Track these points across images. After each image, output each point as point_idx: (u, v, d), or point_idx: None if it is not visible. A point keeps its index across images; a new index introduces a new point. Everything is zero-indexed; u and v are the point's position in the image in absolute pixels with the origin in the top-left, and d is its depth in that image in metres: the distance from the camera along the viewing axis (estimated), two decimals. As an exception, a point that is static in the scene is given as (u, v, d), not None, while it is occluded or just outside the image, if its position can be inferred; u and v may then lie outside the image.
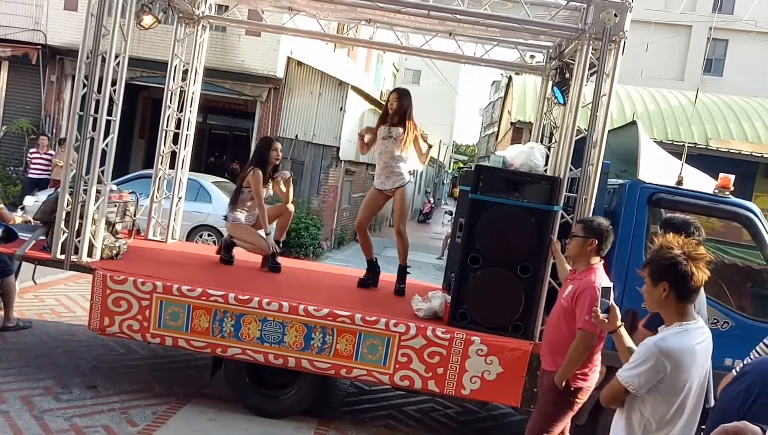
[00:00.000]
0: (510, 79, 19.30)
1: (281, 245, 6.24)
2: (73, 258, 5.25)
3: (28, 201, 9.77)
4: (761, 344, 3.05)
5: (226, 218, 6.19)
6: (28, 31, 14.77)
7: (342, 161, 15.24)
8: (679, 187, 5.07)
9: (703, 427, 2.41)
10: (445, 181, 51.50)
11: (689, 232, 3.65)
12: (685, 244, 2.57)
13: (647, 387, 2.52)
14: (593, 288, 3.61)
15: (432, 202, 32.23)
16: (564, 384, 3.77)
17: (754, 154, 13.91)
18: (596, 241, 3.89)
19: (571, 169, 5.03)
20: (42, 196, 8.88)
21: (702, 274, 2.52)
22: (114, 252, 5.53)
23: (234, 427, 4.88)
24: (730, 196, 4.98)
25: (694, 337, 2.55)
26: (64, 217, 5.28)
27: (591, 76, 5.13)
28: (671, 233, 3.74)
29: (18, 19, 14.79)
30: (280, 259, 6.18)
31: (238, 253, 6.28)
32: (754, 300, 5.35)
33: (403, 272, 5.99)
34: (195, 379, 5.79)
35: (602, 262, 3.98)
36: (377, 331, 4.76)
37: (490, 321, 4.83)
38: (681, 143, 11.83)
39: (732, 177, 5.00)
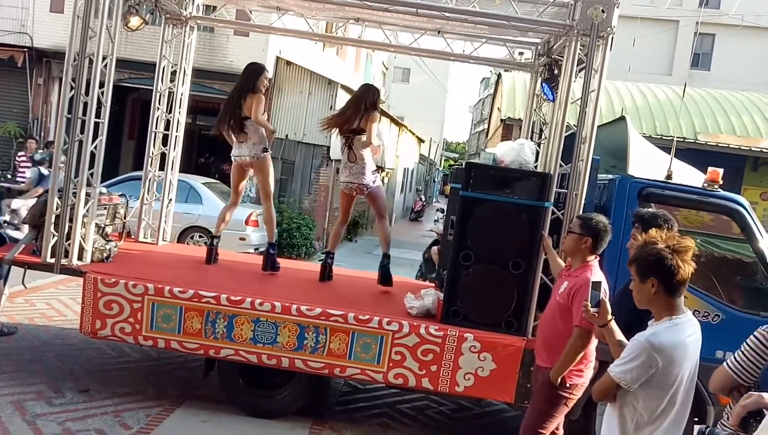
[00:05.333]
0: (499, 76, 19.33)
1: (275, 246, 6.23)
2: (64, 261, 5.22)
3: (16, 204, 9.68)
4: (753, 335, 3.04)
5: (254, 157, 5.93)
6: (13, 33, 14.65)
7: (333, 160, 15.21)
8: (669, 181, 5.10)
9: (696, 419, 2.43)
10: (436, 179, 51.53)
11: (657, 224, 3.64)
12: (669, 238, 2.59)
13: (639, 382, 2.54)
14: (589, 285, 3.61)
15: (423, 199, 32.25)
16: (559, 380, 3.78)
17: (742, 147, 14.00)
18: (591, 240, 3.89)
19: (561, 165, 5.05)
20: (30, 200, 8.80)
21: (688, 267, 2.54)
22: (104, 255, 5.50)
23: (228, 428, 4.87)
24: (719, 189, 5.02)
25: (684, 331, 2.57)
26: (53, 220, 5.24)
27: (579, 72, 5.14)
28: (639, 227, 3.80)
29: (3, 22, 14.68)
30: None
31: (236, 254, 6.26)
32: (744, 292, 5.39)
33: None
34: (188, 381, 5.77)
35: (598, 259, 3.99)
36: (370, 329, 4.76)
37: (483, 318, 4.84)
38: (670, 138, 11.90)
39: (721, 171, 5.03)
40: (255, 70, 5.96)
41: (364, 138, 5.70)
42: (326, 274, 6.03)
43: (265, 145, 5.95)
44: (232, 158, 6.03)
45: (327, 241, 5.96)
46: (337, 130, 5.86)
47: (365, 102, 5.76)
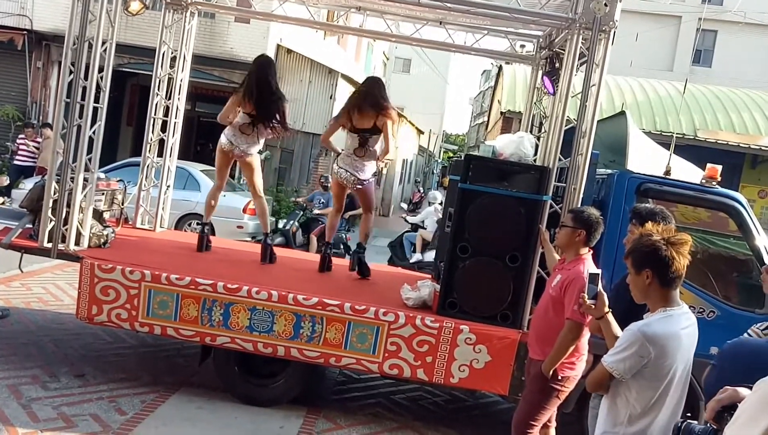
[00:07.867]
0: (500, 68, 19.31)
1: (269, 236, 6.21)
2: (61, 246, 5.22)
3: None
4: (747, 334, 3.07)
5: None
6: (13, 16, 14.59)
7: (332, 150, 15.19)
8: (667, 177, 5.10)
9: (689, 414, 2.45)
10: (435, 171, 51.48)
11: (654, 220, 3.66)
12: (665, 231, 2.61)
13: (632, 372, 2.55)
14: (582, 278, 3.63)
15: (422, 191, 32.21)
16: (551, 373, 3.80)
17: (741, 144, 14.02)
18: (584, 232, 3.91)
19: (560, 159, 5.04)
20: (28, 183, 8.79)
21: (683, 259, 2.55)
22: (102, 240, 5.49)
23: (223, 415, 4.89)
24: (717, 186, 5.02)
25: (679, 323, 2.59)
26: (51, 205, 5.23)
27: (581, 65, 5.13)
28: (636, 223, 3.82)
29: (3, 4, 14.61)
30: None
31: (235, 243, 6.25)
32: (739, 289, 5.41)
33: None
34: (183, 367, 5.78)
35: (591, 252, 4.00)
36: (366, 319, 4.77)
37: (478, 310, 4.85)
38: (669, 133, 11.90)
39: (719, 167, 5.04)
40: (273, 68, 5.96)
41: (381, 142, 5.59)
42: (326, 264, 6.03)
43: (261, 149, 5.91)
44: (222, 142, 5.84)
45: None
46: (348, 128, 5.63)
47: (375, 97, 5.55)
